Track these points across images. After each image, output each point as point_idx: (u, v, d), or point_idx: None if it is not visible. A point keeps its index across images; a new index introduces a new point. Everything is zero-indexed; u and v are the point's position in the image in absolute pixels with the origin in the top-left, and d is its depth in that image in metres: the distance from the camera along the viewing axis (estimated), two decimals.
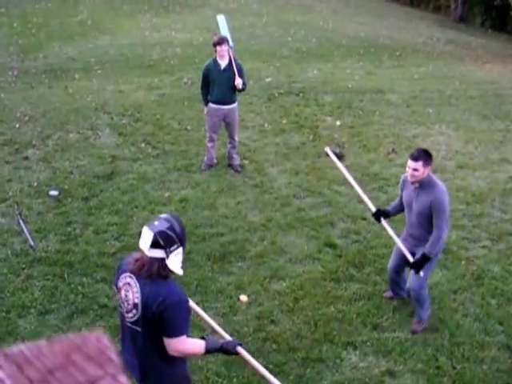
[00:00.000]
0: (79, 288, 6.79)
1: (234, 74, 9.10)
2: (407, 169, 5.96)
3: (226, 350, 4.14)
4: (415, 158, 5.87)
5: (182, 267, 4.04)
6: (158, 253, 3.85)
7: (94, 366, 0.98)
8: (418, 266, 6.06)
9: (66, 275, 7.00)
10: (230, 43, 9.32)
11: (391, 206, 6.62)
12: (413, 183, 6.01)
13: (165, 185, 9.22)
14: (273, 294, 6.83)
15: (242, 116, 11.12)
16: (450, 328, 6.41)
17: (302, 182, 9.47)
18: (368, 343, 6.14)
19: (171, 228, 3.89)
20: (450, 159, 10.52)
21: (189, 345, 3.99)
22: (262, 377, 4.61)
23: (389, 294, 6.85)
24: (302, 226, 8.22)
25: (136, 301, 3.88)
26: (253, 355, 5.86)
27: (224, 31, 9.70)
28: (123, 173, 9.52)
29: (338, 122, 11.96)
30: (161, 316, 3.81)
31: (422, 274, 6.05)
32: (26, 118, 11.62)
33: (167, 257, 3.86)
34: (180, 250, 3.94)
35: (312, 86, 14.18)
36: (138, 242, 7.66)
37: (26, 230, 7.71)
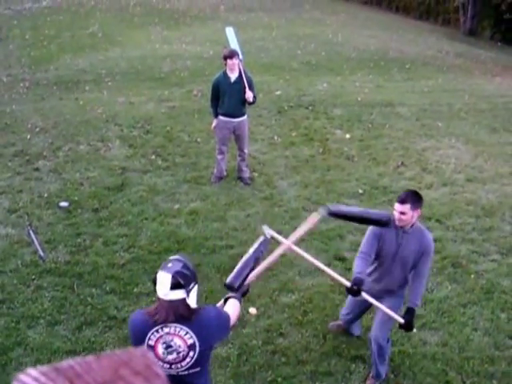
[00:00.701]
0: (88, 299, 6.81)
1: (245, 87, 9.13)
2: (394, 212, 5.41)
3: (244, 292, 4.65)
4: (402, 201, 5.33)
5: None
6: (179, 294, 3.79)
7: (141, 381, 0.99)
8: (411, 325, 5.50)
9: (75, 286, 7.03)
10: (240, 56, 9.36)
11: (360, 271, 5.48)
12: (399, 228, 5.45)
13: (175, 197, 9.24)
14: (282, 307, 6.83)
15: (252, 129, 11.15)
16: (459, 342, 6.39)
17: (312, 194, 9.48)
18: None
19: (186, 267, 3.88)
20: (459, 172, 10.51)
21: (235, 311, 4.26)
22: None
23: (335, 327, 6.55)
24: (311, 238, 8.21)
25: (190, 341, 3.76)
26: (261, 368, 5.88)
27: (233, 43, 9.73)
28: (133, 184, 9.56)
29: (347, 135, 11.97)
30: (220, 336, 4.09)
31: (415, 330, 5.63)
32: (37, 130, 11.69)
33: (188, 296, 3.82)
34: (196, 287, 3.93)
35: (322, 99, 14.20)
36: (146, 254, 7.71)
37: (36, 241, 7.75)
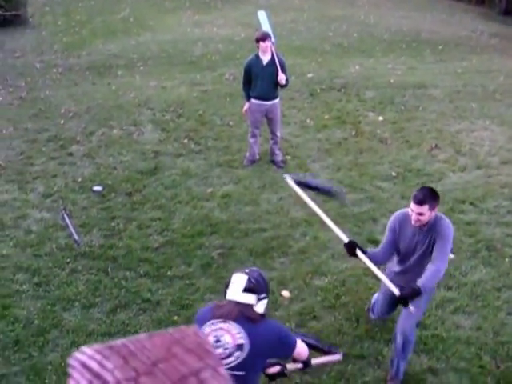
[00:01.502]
0: (122, 282, 6.89)
1: (277, 70, 9.10)
2: (409, 212, 5.18)
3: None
4: (420, 202, 5.03)
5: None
6: (249, 298, 3.83)
7: (194, 359, 1.01)
8: (406, 299, 5.03)
9: (109, 269, 7.11)
10: (272, 39, 9.32)
11: (371, 253, 5.43)
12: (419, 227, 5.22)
13: (207, 180, 9.27)
14: (315, 290, 6.83)
15: (284, 112, 11.12)
16: (493, 326, 6.33)
17: (344, 177, 9.44)
18: None
19: (262, 276, 3.95)
20: (493, 155, 10.37)
21: (304, 347, 4.17)
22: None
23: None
24: (344, 221, 8.18)
25: (240, 341, 3.72)
26: None
27: (265, 27, 9.70)
28: (166, 168, 9.61)
29: (380, 118, 11.88)
30: (277, 353, 4.03)
31: (411, 308, 4.99)
32: (71, 115, 11.79)
33: (256, 304, 3.85)
34: (266, 301, 3.95)
35: (354, 82, 14.10)
36: (180, 237, 7.76)
37: (70, 225, 7.84)
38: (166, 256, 7.38)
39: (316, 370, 5.63)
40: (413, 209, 5.09)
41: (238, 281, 3.83)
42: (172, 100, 12.66)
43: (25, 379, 5.61)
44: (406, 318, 5.43)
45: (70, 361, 1.00)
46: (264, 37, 9.16)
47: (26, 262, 7.25)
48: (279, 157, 9.78)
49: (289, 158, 10.05)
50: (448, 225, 5.19)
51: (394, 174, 9.54)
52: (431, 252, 5.18)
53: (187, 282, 6.86)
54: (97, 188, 8.94)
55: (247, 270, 3.93)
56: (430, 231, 5.19)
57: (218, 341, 3.71)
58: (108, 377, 0.95)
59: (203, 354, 1.01)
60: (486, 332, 6.25)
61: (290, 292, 6.76)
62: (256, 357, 3.76)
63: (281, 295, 6.71)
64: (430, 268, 5.08)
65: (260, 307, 3.88)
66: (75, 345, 5.92)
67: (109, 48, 17.61)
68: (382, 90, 13.55)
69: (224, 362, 3.69)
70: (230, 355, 3.70)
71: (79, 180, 9.18)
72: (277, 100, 9.48)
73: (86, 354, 1.00)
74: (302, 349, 4.11)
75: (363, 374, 5.72)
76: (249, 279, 3.81)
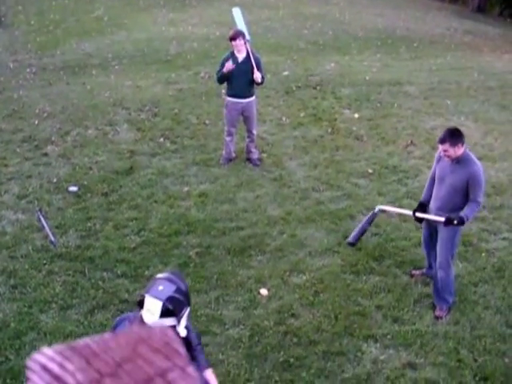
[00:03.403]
0: (100, 283, 6.84)
1: (253, 68, 9.09)
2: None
3: None
4: (441, 141, 6.04)
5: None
6: (169, 321, 3.45)
7: (161, 358, 0.98)
8: (451, 221, 6.06)
9: (86, 270, 7.05)
10: (247, 36, 9.30)
11: (424, 193, 6.64)
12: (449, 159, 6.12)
13: (184, 179, 9.24)
14: (293, 288, 6.83)
15: (260, 110, 11.12)
16: (471, 321, 6.38)
17: (321, 175, 9.45)
18: (388, 336, 6.13)
19: (178, 290, 3.51)
20: (469, 151, 10.43)
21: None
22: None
23: (418, 271, 7.03)
24: (321, 219, 8.21)
25: None
26: (273, 349, 5.90)
27: (240, 24, 9.68)
28: (142, 168, 9.56)
29: (356, 115, 11.92)
30: None
31: (455, 222, 6.03)
32: (45, 115, 11.69)
33: (178, 323, 3.51)
34: (188, 310, 3.61)
35: (329, 79, 14.13)
36: (157, 237, 7.73)
37: (46, 226, 7.77)
38: (143, 256, 7.34)
39: (295, 367, 5.64)
40: (438, 147, 6.19)
41: (152, 308, 3.42)
42: (147, 99, 12.60)
43: (1, 382, 5.55)
44: (440, 252, 6.31)
45: (29, 363, 0.97)
46: (235, 35, 9.14)
47: (1, 263, 7.16)
48: (255, 155, 9.77)
49: (265, 155, 10.04)
50: (479, 167, 6.08)
51: (370, 170, 9.57)
52: (461, 189, 6.06)
53: None
54: (72, 188, 8.87)
55: (160, 288, 3.46)
56: (462, 169, 6.05)
57: None
58: (69, 379, 0.92)
59: (171, 353, 0.99)
60: (464, 326, 6.30)
61: (268, 290, 6.75)
62: None
63: (259, 293, 6.71)
64: (469, 204, 6.06)
65: (182, 324, 3.54)
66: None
67: (83, 47, 17.49)
68: (358, 88, 13.60)
69: None
70: None
71: (54, 180, 9.10)
72: (253, 98, 9.47)
73: (45, 355, 0.97)
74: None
75: (343, 370, 5.73)
76: (163, 304, 3.40)
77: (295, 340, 6.06)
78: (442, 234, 6.28)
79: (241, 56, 9.17)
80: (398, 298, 6.67)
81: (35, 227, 7.90)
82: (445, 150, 6.01)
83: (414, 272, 7.05)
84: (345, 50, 17.47)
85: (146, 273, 7.01)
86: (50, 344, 5.24)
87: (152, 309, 3.42)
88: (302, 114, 11.86)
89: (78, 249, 7.46)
